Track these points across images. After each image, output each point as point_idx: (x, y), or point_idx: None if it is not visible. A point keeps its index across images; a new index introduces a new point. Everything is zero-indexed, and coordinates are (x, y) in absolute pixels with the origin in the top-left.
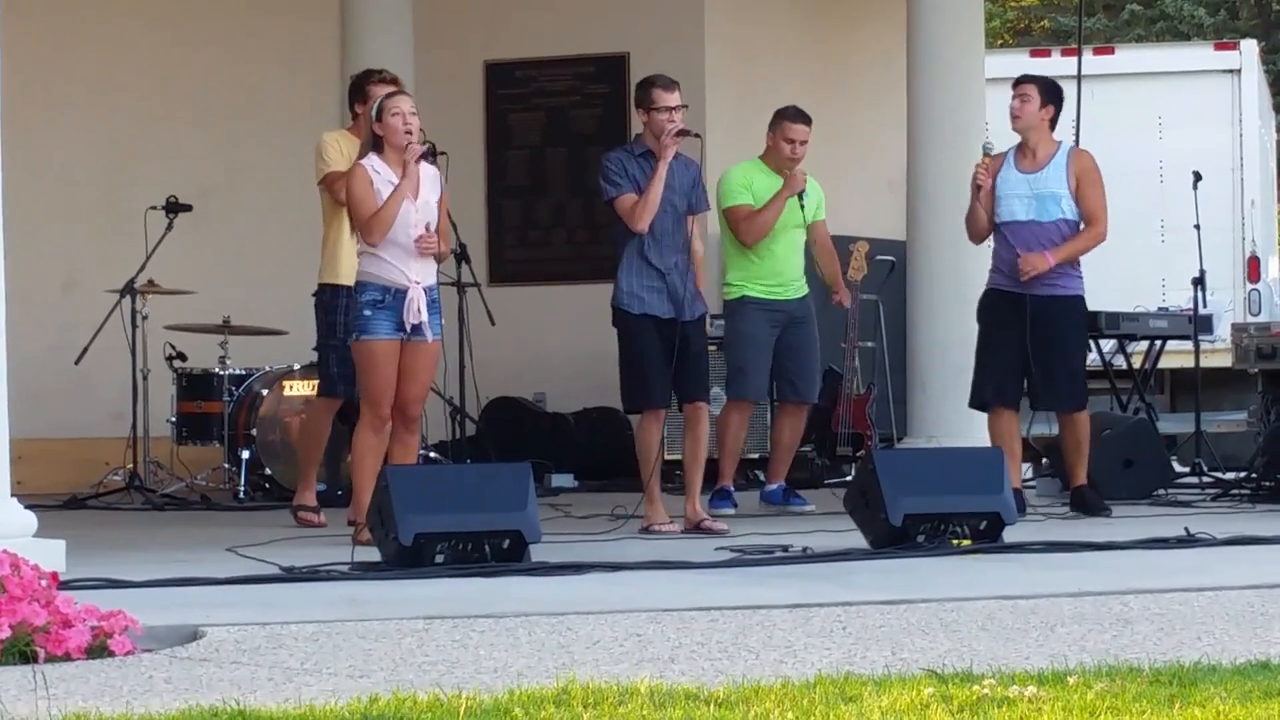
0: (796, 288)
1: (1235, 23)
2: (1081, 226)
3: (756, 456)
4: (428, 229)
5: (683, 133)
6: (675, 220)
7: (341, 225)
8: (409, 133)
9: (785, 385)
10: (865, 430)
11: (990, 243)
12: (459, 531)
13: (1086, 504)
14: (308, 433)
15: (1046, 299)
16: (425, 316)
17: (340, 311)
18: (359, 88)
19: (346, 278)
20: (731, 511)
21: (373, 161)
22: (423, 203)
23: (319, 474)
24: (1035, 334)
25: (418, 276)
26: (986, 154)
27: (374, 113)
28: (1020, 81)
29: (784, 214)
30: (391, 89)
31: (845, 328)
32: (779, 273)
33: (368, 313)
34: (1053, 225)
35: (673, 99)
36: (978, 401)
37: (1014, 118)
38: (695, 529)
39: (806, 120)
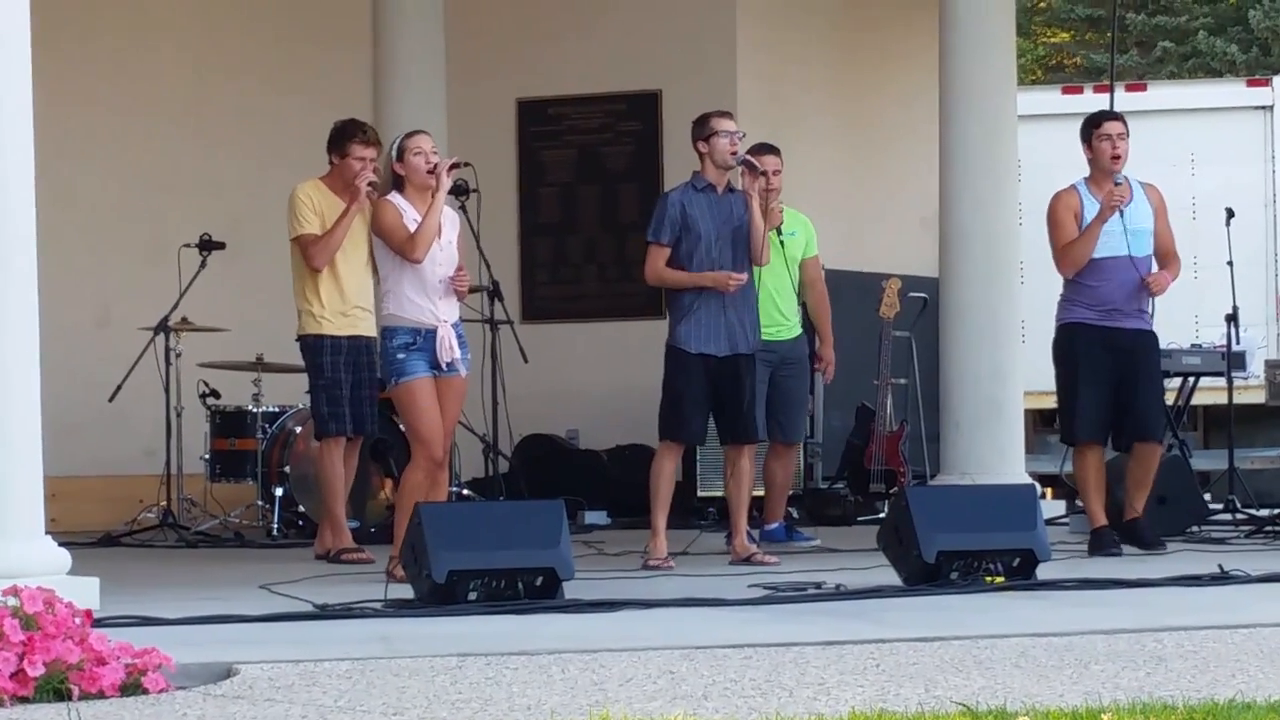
0: (789, 328)
1: (1267, 59)
2: (1154, 261)
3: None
4: (460, 267)
5: (746, 163)
6: (734, 255)
7: (316, 280)
8: (430, 172)
9: (773, 425)
10: (898, 467)
11: (1024, 278)
12: (492, 569)
13: (1144, 538)
14: (322, 479)
15: (1136, 332)
16: (458, 354)
17: (324, 353)
18: (339, 142)
19: (329, 326)
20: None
21: (397, 200)
22: (446, 242)
23: (347, 511)
24: (1130, 367)
25: (445, 314)
26: (1118, 184)
27: (394, 153)
28: (1114, 118)
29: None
30: (372, 150)
31: (878, 364)
32: (769, 313)
33: (401, 355)
34: (1144, 260)
35: (733, 124)
36: (1075, 437)
37: (1116, 158)
38: (745, 563)
39: (775, 151)
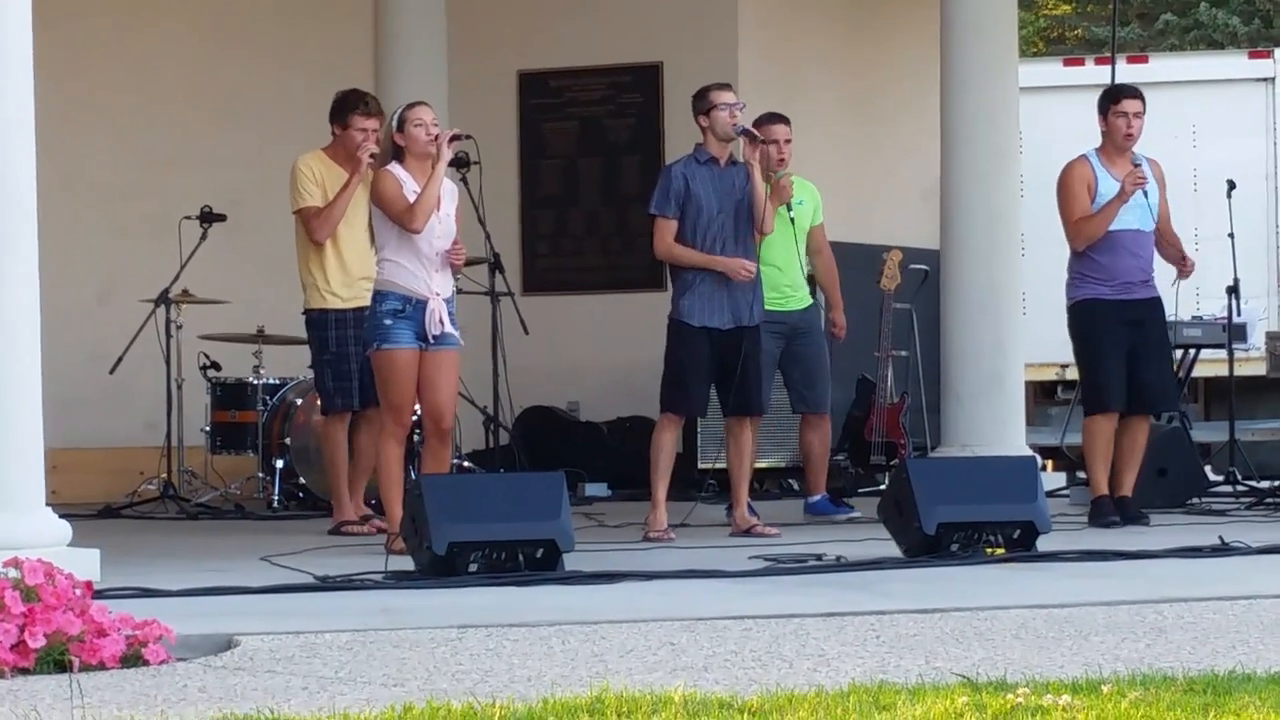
0: (799, 298)
1: (1269, 31)
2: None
3: (785, 465)
4: (456, 241)
5: (747, 133)
6: (736, 228)
7: (320, 253)
8: (429, 142)
9: (796, 398)
10: (899, 439)
11: (1025, 251)
12: (493, 540)
13: (1127, 514)
14: (325, 454)
15: (1148, 301)
16: (449, 327)
17: (330, 328)
18: (341, 112)
19: (334, 300)
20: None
21: (397, 170)
22: (444, 214)
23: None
24: (1141, 338)
25: (438, 287)
26: (1137, 164)
27: (395, 124)
28: (1133, 96)
29: (775, 223)
30: (374, 121)
31: (879, 336)
32: (777, 284)
33: (388, 322)
34: (1154, 233)
35: (732, 96)
36: (1105, 406)
37: (1129, 135)
38: (746, 534)
39: (785, 120)
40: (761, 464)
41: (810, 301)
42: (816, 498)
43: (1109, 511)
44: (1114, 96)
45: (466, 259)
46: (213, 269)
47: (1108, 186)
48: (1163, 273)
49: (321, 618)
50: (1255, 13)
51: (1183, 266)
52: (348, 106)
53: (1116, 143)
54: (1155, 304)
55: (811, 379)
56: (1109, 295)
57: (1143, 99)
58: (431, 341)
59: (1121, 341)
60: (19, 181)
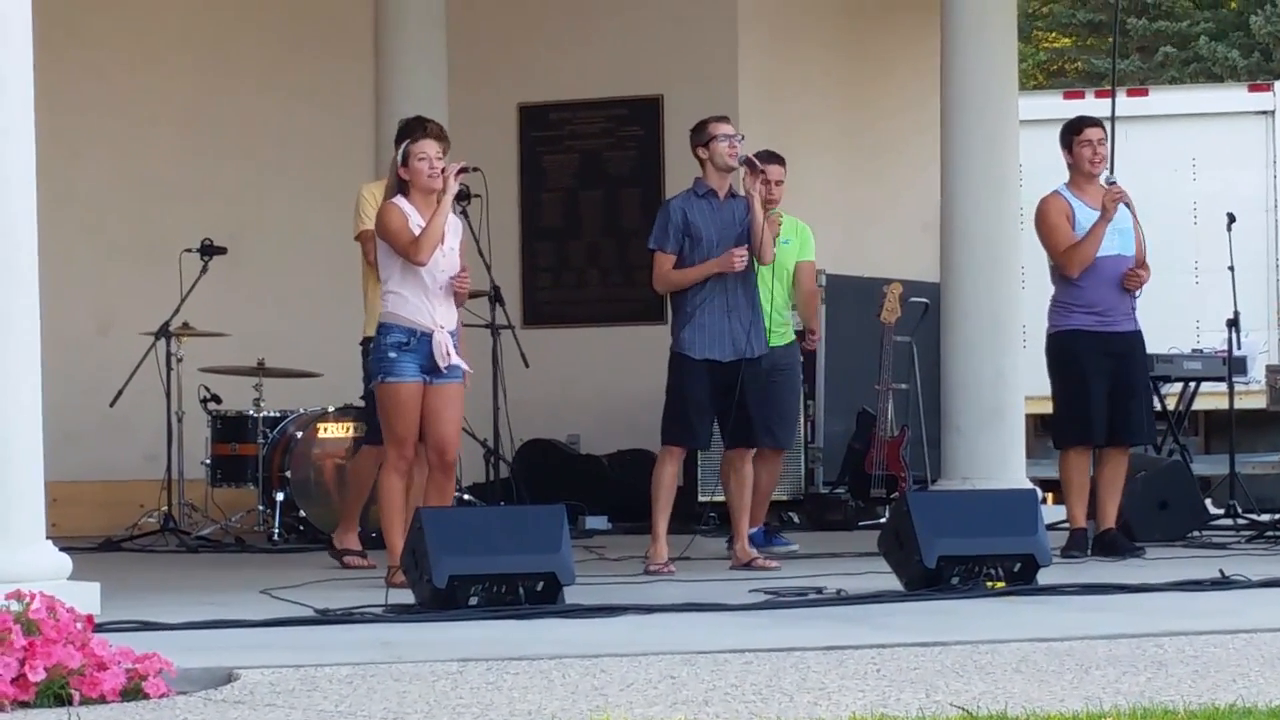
0: (782, 333)
1: (1269, 64)
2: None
3: (786, 498)
4: (463, 269)
5: (748, 162)
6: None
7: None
8: (432, 177)
9: (764, 432)
10: (899, 472)
11: (1025, 283)
12: (493, 574)
13: (1118, 547)
14: (356, 478)
15: (1128, 334)
16: (455, 359)
17: None
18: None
19: None
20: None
21: (402, 203)
22: (448, 249)
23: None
24: (1123, 371)
25: (442, 320)
26: (1112, 183)
27: (400, 158)
28: (1095, 124)
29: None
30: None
31: (879, 369)
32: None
33: (392, 355)
34: (1132, 258)
35: (731, 128)
36: (1088, 440)
37: (1096, 160)
38: (746, 567)
39: (780, 160)
40: None
41: (792, 339)
42: (753, 530)
43: (1081, 544)
44: (1076, 128)
45: (470, 290)
46: (213, 302)
47: (1085, 214)
48: (1151, 304)
49: (322, 651)
50: (1255, 46)
51: (1137, 276)
52: (408, 133)
53: (1084, 170)
54: (1137, 337)
55: (781, 416)
56: (1093, 326)
57: (1104, 127)
58: (439, 374)
59: (1104, 374)
60: (19, 214)
